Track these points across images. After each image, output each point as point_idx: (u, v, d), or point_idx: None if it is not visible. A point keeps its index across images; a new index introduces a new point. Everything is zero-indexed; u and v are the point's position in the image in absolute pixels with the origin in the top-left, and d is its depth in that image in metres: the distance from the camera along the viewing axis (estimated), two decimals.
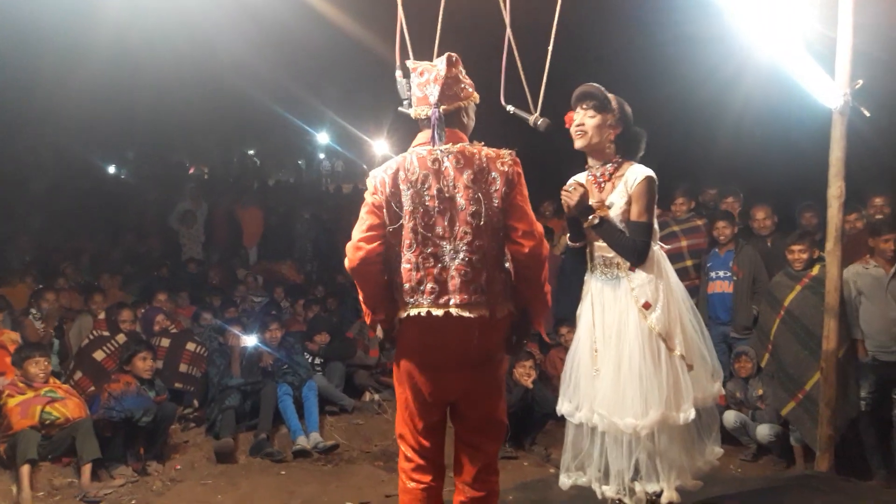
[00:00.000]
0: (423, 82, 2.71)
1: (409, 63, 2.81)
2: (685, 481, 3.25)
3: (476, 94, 2.80)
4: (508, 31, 3.34)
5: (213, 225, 10.72)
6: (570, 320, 6.72)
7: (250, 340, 6.12)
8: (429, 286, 2.60)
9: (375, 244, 2.64)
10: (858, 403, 4.71)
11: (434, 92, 2.68)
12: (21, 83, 8.67)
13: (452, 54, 2.70)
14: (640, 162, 3.21)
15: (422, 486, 2.78)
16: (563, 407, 3.37)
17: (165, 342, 6.38)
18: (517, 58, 3.37)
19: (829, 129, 4.18)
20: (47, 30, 6.70)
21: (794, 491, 4.03)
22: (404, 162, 2.66)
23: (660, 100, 6.64)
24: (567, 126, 3.24)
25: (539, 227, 2.62)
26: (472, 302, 2.58)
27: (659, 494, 3.23)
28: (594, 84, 3.18)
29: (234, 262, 10.06)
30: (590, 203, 3.17)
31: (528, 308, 2.73)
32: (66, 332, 6.55)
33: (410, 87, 2.88)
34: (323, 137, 17.99)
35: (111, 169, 15.79)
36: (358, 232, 2.67)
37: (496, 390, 2.76)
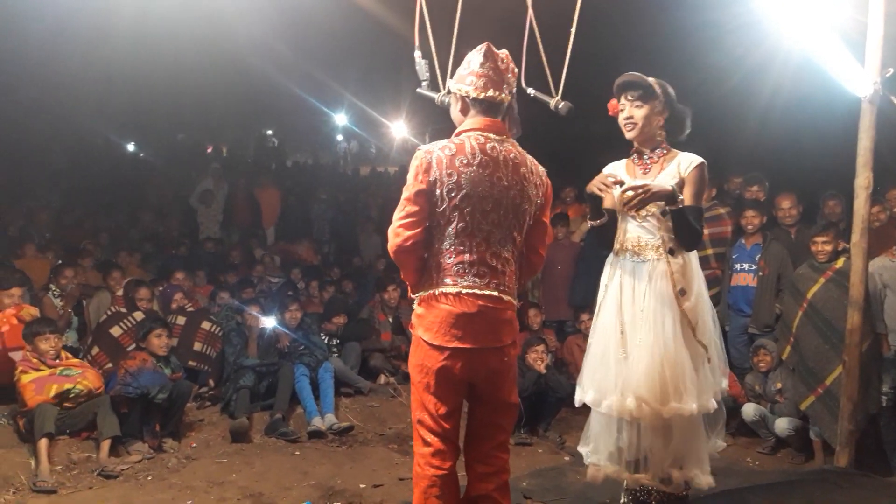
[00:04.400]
0: (493, 66, 2.66)
1: (478, 49, 2.70)
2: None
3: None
4: (530, 12, 3.28)
5: (232, 205, 10.77)
6: (591, 307, 6.69)
7: (269, 321, 6.13)
8: (481, 269, 2.64)
9: (416, 231, 2.61)
10: (880, 399, 4.65)
11: (509, 80, 2.70)
12: (42, 63, 8.71)
13: (493, 48, 2.69)
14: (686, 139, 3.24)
15: (441, 472, 2.74)
16: (586, 396, 3.30)
17: (181, 320, 6.40)
18: (539, 40, 3.31)
19: (858, 118, 4.09)
20: (68, 8, 6.70)
21: (811, 485, 3.98)
22: (464, 145, 2.61)
23: (687, 88, 6.52)
24: (610, 113, 3.22)
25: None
26: (511, 289, 2.71)
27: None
28: (636, 73, 3.14)
29: (251, 242, 10.10)
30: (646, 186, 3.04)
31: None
32: (85, 308, 6.61)
33: (429, 68, 2.85)
34: (341, 119, 17.96)
35: (130, 148, 15.90)
36: (398, 218, 2.63)
37: (513, 373, 2.83)
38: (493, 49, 2.69)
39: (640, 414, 3.08)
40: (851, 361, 4.21)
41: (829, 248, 4.89)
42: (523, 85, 3.32)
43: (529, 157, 2.73)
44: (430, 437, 2.75)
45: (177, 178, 12.11)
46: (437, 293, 2.64)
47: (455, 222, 2.61)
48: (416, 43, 3.15)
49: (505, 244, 2.68)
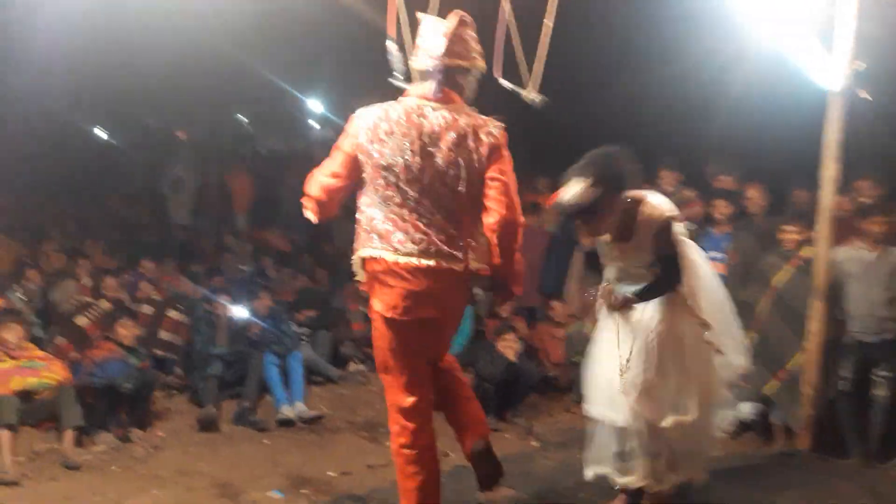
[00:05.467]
0: (430, 34, 2.69)
1: (420, 15, 2.78)
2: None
3: (482, 63, 2.77)
4: (507, 3, 3.26)
5: (204, 192, 10.63)
6: (559, 296, 6.74)
7: (238, 310, 6.07)
8: (416, 236, 2.66)
9: (334, 184, 2.74)
10: (838, 383, 4.74)
11: (440, 44, 2.65)
12: (6, 47, 8.49)
13: (466, 15, 2.68)
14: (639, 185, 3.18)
15: (413, 426, 2.86)
16: (592, 410, 3.37)
17: (148, 309, 6.31)
18: (514, 31, 3.30)
19: (827, 111, 4.14)
20: None
21: (772, 468, 4.11)
22: (389, 111, 2.67)
23: (660, 81, 6.56)
24: (548, 203, 3.28)
25: (516, 200, 2.67)
26: (464, 256, 2.70)
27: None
28: (572, 197, 3.02)
29: (222, 230, 9.98)
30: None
31: (500, 273, 2.79)
32: (50, 297, 6.48)
33: (404, 58, 2.85)
34: (315, 105, 17.79)
35: (99, 133, 15.59)
36: (322, 169, 2.78)
37: (457, 322, 3.02)
38: (437, 19, 2.73)
39: (641, 427, 3.14)
40: (813, 348, 4.29)
41: (796, 237, 4.97)
42: (496, 75, 3.31)
43: (473, 118, 2.68)
44: (401, 396, 2.94)
45: (147, 165, 11.91)
46: (387, 260, 2.70)
47: (384, 191, 2.68)
48: (391, 33, 3.11)
49: (440, 212, 2.67)
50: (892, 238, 4.67)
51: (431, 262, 2.66)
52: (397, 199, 2.68)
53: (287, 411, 5.42)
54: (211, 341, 5.91)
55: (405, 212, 2.67)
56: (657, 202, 3.13)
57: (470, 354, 6.61)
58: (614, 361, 3.21)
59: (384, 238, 2.69)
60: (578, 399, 5.81)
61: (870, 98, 3.98)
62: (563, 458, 4.69)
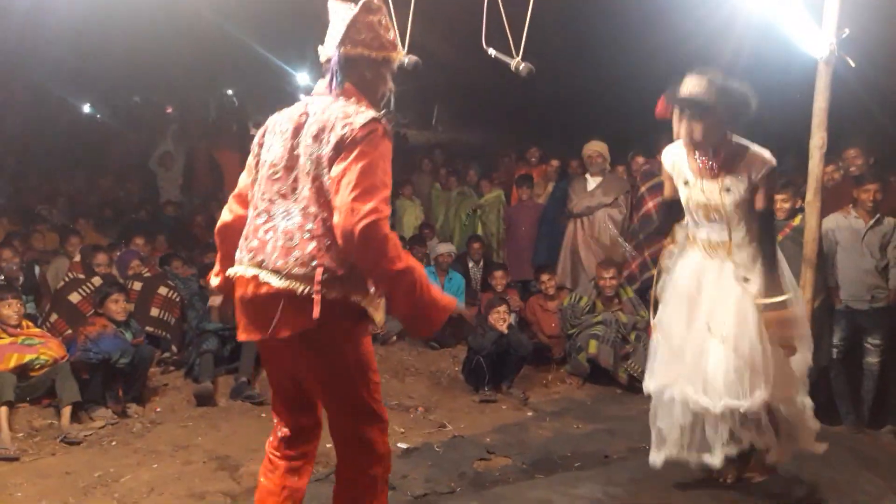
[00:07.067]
0: (335, 21, 2.39)
1: (331, 4, 2.44)
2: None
3: (396, 54, 2.43)
4: None
5: (193, 168, 10.56)
6: (551, 267, 6.79)
7: None
8: (253, 244, 2.33)
9: (234, 193, 2.55)
10: (830, 351, 4.81)
11: (338, 32, 2.34)
12: None
13: (375, 1, 2.35)
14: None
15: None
16: (650, 385, 3.35)
17: (137, 286, 6.30)
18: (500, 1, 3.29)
19: (815, 79, 4.14)
20: None
21: None
22: (290, 110, 2.41)
23: (648, 51, 6.53)
24: (658, 115, 3.15)
25: (366, 205, 2.10)
26: (289, 272, 2.22)
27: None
28: (696, 87, 3.03)
29: (213, 206, 9.94)
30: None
31: (392, 307, 2.29)
32: (41, 274, 6.48)
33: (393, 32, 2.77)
34: (304, 79, 17.62)
35: (87, 108, 15.44)
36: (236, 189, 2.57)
37: (346, 376, 2.33)
38: (348, 5, 2.39)
39: (717, 410, 3.07)
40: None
41: (787, 205, 5.00)
42: (484, 45, 3.31)
43: (345, 109, 2.26)
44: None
45: (135, 141, 11.82)
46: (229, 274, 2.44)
47: (252, 191, 2.44)
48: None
49: (293, 219, 2.26)
50: (884, 206, 4.72)
51: (256, 273, 2.27)
52: (255, 202, 2.39)
53: None
54: (205, 317, 5.92)
55: (255, 216, 2.37)
56: (760, 149, 3.10)
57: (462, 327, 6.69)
58: (686, 336, 3.16)
59: (239, 246, 2.41)
60: (572, 370, 5.91)
61: (853, 64, 3.98)
62: (557, 427, 4.79)
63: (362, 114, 2.22)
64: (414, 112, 13.78)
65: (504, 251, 7.88)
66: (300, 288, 2.20)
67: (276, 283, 2.23)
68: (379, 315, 2.34)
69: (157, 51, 10.48)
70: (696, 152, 3.16)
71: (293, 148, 2.31)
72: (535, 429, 4.71)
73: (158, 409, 5.15)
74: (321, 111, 2.30)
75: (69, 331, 5.57)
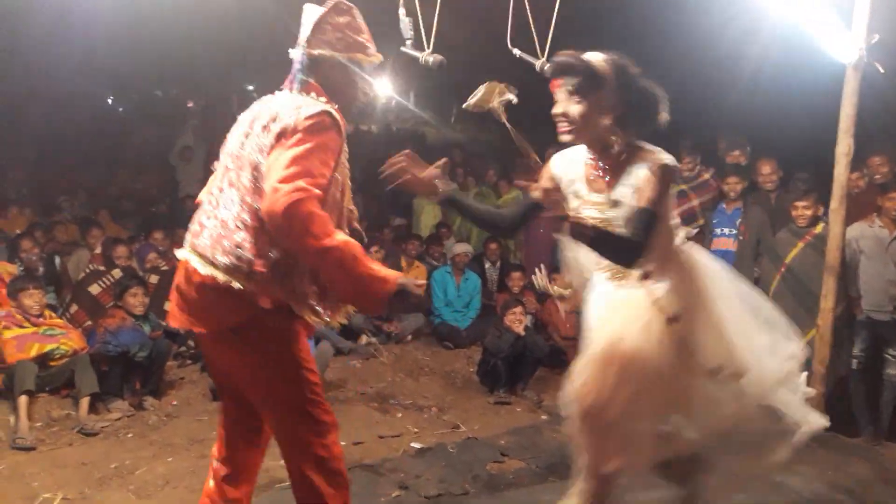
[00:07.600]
0: (306, 21, 2.38)
1: (306, 6, 2.40)
2: None
3: (365, 57, 2.37)
4: None
5: (213, 161, 10.60)
6: (522, 267, 6.77)
7: None
8: (195, 227, 2.35)
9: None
10: (850, 361, 4.75)
11: (305, 32, 2.35)
12: (17, 17, 8.43)
13: (346, 2, 2.34)
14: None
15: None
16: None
17: (154, 279, 6.32)
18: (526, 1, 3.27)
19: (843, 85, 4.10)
20: None
21: None
22: (251, 107, 2.42)
23: (675, 54, 6.46)
24: (553, 92, 2.43)
25: (291, 184, 2.05)
26: (213, 259, 2.20)
27: None
28: (573, 53, 2.36)
29: None
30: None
31: (329, 286, 2.25)
32: (63, 266, 6.54)
33: (413, 26, 2.77)
34: None
35: (109, 101, 15.57)
36: None
37: (273, 377, 2.27)
38: (310, 5, 2.40)
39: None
40: (824, 326, 4.29)
41: (809, 213, 4.93)
42: (509, 45, 3.30)
43: (295, 99, 2.27)
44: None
45: (156, 134, 11.90)
46: None
47: (211, 181, 2.46)
48: (401, 0, 3.09)
49: (233, 209, 2.24)
50: None
51: (188, 257, 2.29)
52: (211, 189, 2.41)
53: None
54: None
55: (206, 202, 2.37)
56: (659, 150, 2.42)
57: (478, 329, 6.68)
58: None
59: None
60: None
61: (882, 70, 3.92)
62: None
63: (313, 105, 2.21)
64: (432, 110, 13.79)
65: (522, 252, 7.86)
66: (221, 277, 2.17)
67: (202, 269, 2.21)
68: (314, 314, 2.27)
69: (182, 46, 10.54)
70: (589, 157, 2.51)
71: (245, 137, 2.30)
72: (549, 432, 4.68)
73: (175, 403, 5.18)
74: (276, 103, 2.30)
75: (89, 322, 5.62)
